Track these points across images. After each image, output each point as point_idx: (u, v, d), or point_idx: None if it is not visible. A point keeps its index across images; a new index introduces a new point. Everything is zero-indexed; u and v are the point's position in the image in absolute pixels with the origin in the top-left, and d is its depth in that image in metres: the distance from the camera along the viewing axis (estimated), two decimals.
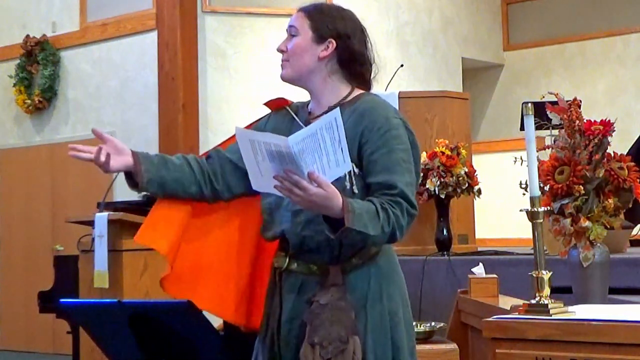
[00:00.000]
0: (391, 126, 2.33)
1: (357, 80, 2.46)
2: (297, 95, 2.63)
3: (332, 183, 2.16)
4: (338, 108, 2.20)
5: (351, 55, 2.42)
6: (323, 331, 2.26)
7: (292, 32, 2.44)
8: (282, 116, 2.52)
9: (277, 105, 2.55)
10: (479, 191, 5.46)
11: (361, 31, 2.47)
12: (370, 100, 2.41)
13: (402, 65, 6.89)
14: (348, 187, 2.30)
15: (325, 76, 2.43)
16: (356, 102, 2.40)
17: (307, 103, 2.53)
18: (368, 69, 2.47)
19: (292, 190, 2.11)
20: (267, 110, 2.60)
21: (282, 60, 2.45)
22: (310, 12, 2.45)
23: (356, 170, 2.31)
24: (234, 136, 2.40)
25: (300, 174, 2.10)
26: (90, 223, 4.94)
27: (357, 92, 2.45)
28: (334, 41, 2.41)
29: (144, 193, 2.65)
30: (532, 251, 2.22)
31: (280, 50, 2.45)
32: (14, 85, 9.23)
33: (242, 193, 2.49)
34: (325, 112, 2.36)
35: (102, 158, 2.34)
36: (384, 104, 2.39)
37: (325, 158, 2.15)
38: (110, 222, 4.69)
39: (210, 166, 2.49)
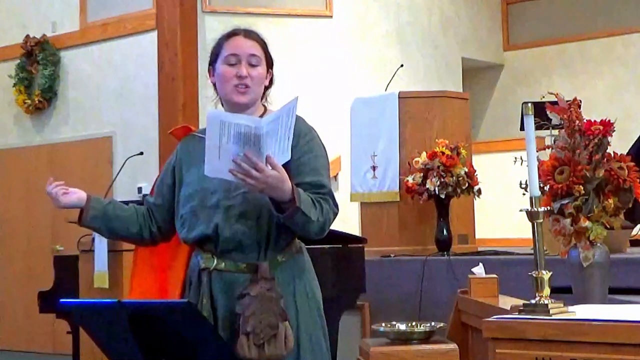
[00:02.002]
0: (313, 136, 2.61)
1: (265, 100, 2.74)
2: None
3: None
4: (297, 96, 2.37)
5: (272, 82, 2.73)
6: (254, 320, 2.42)
7: (254, 61, 2.64)
8: (190, 140, 2.75)
9: (183, 132, 2.80)
10: (479, 191, 5.47)
11: None
12: None
13: (402, 65, 6.90)
14: None
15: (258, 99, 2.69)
16: None
17: None
18: None
19: (250, 172, 2.28)
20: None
21: (245, 86, 2.62)
22: (263, 44, 2.69)
23: None
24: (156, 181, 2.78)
25: (260, 157, 2.27)
26: None
27: (269, 110, 2.69)
28: (272, 72, 2.71)
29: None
30: (532, 251, 2.22)
31: (244, 76, 2.62)
32: (14, 85, 9.22)
33: (171, 230, 2.71)
34: None
35: (58, 196, 2.77)
36: (301, 118, 2.58)
37: (277, 144, 2.31)
38: None
39: (147, 213, 2.75)
